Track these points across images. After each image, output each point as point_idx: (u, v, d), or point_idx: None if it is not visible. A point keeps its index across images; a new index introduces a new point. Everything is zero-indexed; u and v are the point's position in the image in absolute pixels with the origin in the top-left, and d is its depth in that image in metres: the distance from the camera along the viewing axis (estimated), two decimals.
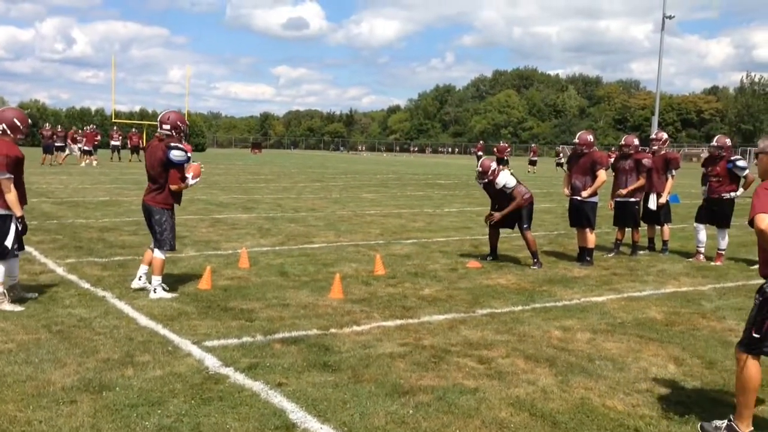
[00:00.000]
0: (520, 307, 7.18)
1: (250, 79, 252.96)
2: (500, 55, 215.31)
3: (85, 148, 34.27)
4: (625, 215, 10.65)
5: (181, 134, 7.26)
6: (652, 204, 10.80)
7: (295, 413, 4.27)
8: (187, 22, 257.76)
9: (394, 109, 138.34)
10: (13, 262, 6.73)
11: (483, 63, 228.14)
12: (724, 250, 10.30)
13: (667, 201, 10.97)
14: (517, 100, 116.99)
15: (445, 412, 4.38)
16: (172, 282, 7.85)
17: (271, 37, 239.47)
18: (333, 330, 6.11)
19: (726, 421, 4.15)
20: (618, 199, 10.64)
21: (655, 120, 59.86)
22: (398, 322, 6.48)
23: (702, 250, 10.43)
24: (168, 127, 7.15)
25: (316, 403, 4.43)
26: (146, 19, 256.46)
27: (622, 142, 10.83)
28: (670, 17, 56.97)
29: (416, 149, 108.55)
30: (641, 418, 4.37)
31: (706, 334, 6.34)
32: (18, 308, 6.48)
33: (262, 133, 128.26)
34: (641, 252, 10.82)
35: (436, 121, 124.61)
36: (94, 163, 33.56)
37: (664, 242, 10.99)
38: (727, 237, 10.33)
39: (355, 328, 6.22)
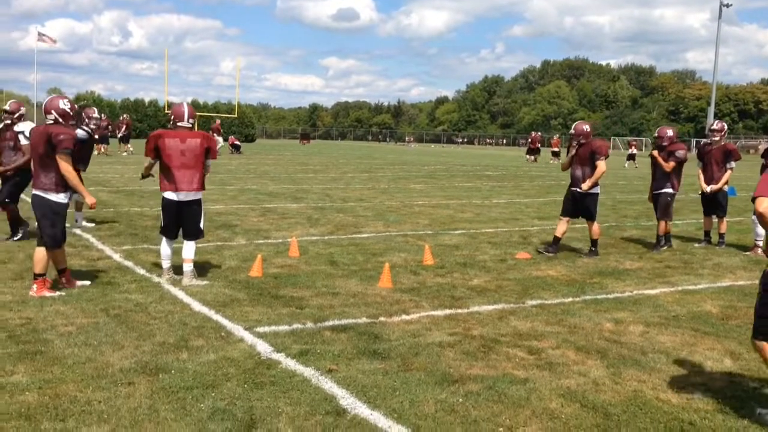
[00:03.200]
0: (570, 299, 7.10)
1: (300, 71, 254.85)
2: (551, 45, 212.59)
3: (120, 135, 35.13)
4: (656, 206, 10.39)
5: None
6: (708, 189, 10.55)
7: (346, 399, 4.32)
8: (240, 14, 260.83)
9: (442, 100, 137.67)
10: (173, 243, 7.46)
11: (533, 53, 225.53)
12: None
13: (725, 194, 10.70)
14: (567, 91, 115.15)
15: (495, 401, 4.37)
16: (224, 269, 7.99)
17: (321, 28, 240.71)
18: (382, 318, 6.15)
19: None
20: (654, 192, 10.39)
21: (711, 111, 58.38)
22: (447, 311, 6.48)
23: (760, 243, 10.15)
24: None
25: (366, 390, 4.47)
26: (199, 11, 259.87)
27: (656, 134, 10.56)
28: (727, 5, 55.41)
29: (464, 140, 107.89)
30: (696, 412, 4.29)
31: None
32: (204, 282, 7.29)
33: (311, 124, 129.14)
34: (663, 247, 10.26)
35: (484, 112, 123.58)
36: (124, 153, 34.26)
37: (721, 235, 10.73)
38: None
39: (404, 317, 6.24)
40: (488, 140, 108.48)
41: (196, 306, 6.38)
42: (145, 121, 69.09)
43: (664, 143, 10.31)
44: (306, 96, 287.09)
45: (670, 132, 10.48)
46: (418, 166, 34.03)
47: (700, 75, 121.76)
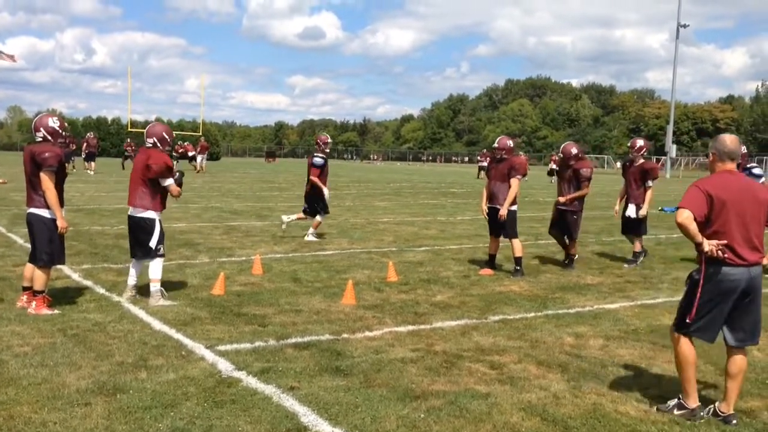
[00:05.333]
0: (532, 314, 7.17)
1: (266, 89, 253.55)
2: (515, 64, 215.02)
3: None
4: (562, 224, 10.16)
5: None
6: (631, 212, 10.33)
7: (307, 416, 4.29)
8: (205, 33, 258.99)
9: (407, 119, 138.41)
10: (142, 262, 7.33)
11: (497, 72, 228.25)
12: None
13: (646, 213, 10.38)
14: (530, 109, 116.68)
15: (457, 416, 4.38)
16: (186, 288, 7.91)
17: (287, 46, 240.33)
18: (345, 335, 6.13)
19: (675, 399, 4.55)
20: (559, 207, 10.15)
21: (669, 129, 59.62)
22: (410, 327, 6.49)
23: None
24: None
25: (327, 407, 4.45)
26: (164, 29, 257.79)
27: (561, 154, 10.27)
28: (684, 26, 56.86)
29: (429, 158, 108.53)
30: (653, 424, 4.36)
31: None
32: (168, 302, 7.09)
33: (277, 142, 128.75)
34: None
35: (449, 130, 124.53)
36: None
37: (635, 254, 10.48)
38: None
39: (368, 333, 6.23)
40: (453, 158, 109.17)
41: (157, 325, 6.29)
42: (107, 140, 68.30)
43: (571, 162, 10.04)
44: (272, 114, 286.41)
45: (574, 150, 10.15)
46: (383, 183, 34.11)
47: (659, 94, 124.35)
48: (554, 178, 26.52)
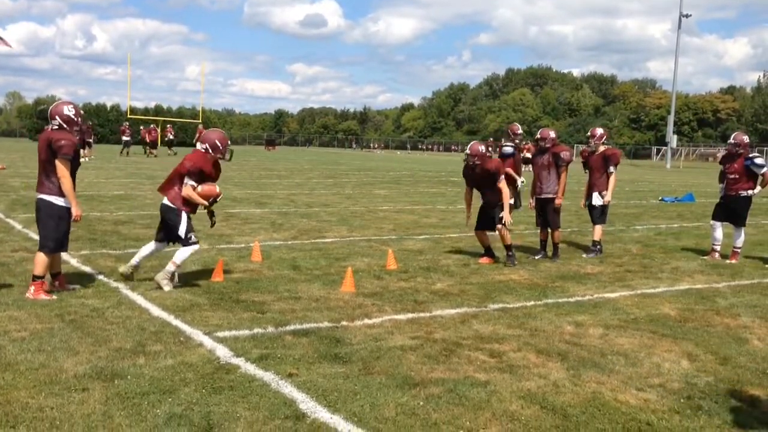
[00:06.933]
0: (532, 303, 7.14)
1: (266, 77, 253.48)
2: (516, 53, 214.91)
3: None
4: (546, 214, 9.98)
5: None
6: (597, 201, 10.23)
7: (306, 403, 4.27)
8: (206, 20, 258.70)
9: (407, 107, 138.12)
10: (160, 247, 7.46)
11: (498, 61, 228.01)
12: (739, 247, 10.20)
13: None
14: (531, 99, 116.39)
15: (456, 404, 4.36)
16: (184, 274, 7.88)
17: (289, 34, 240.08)
18: (344, 322, 6.11)
19: None
20: (539, 197, 10.00)
21: (670, 119, 59.49)
22: (410, 315, 6.47)
23: (717, 247, 10.33)
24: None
25: (326, 394, 4.43)
26: (165, 16, 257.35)
27: (538, 136, 10.11)
28: (687, 16, 56.66)
29: (429, 147, 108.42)
30: (653, 413, 4.34)
31: (720, 331, 6.28)
32: (173, 288, 7.12)
33: (277, 130, 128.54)
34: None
35: (449, 119, 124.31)
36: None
37: (594, 243, 10.33)
38: (743, 235, 10.22)
39: (367, 321, 6.21)
40: (453, 147, 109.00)
41: (155, 311, 6.27)
42: (106, 126, 68.19)
43: (548, 145, 9.92)
44: (272, 102, 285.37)
45: (552, 134, 10.02)
46: (383, 172, 34.06)
47: (660, 84, 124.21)
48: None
